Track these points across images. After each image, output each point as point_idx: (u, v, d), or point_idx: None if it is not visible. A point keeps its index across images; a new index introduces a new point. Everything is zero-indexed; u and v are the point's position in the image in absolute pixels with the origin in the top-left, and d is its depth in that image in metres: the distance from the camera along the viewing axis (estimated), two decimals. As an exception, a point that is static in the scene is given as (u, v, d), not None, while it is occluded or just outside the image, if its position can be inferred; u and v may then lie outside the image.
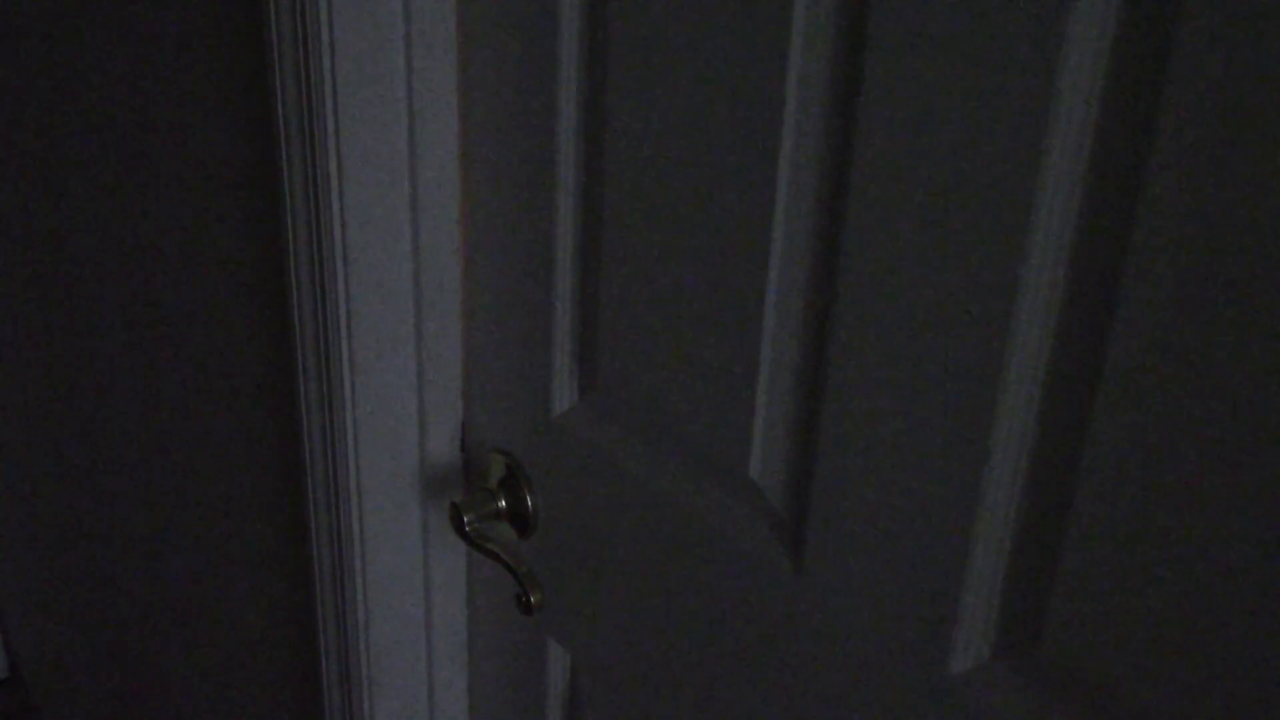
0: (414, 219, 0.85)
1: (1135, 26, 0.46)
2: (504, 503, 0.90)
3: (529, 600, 0.87)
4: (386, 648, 0.99)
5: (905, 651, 0.62)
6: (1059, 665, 0.55)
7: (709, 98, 0.65)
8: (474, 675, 1.04)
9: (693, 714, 0.79)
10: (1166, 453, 0.49)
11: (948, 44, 0.52)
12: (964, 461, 0.56)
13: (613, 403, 0.79)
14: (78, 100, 1.24)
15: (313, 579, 1.00)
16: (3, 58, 1.43)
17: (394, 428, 0.92)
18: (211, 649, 1.39)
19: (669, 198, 0.69)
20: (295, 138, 0.83)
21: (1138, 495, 0.50)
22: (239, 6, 0.91)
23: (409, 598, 0.98)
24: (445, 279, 0.88)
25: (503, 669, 1.00)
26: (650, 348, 0.74)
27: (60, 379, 1.57)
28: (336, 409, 0.89)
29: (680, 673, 0.79)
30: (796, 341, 0.65)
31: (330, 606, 0.99)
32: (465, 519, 0.88)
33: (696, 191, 0.67)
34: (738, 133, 0.63)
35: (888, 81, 0.55)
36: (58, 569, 1.86)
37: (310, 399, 0.92)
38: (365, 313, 0.86)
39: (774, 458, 0.68)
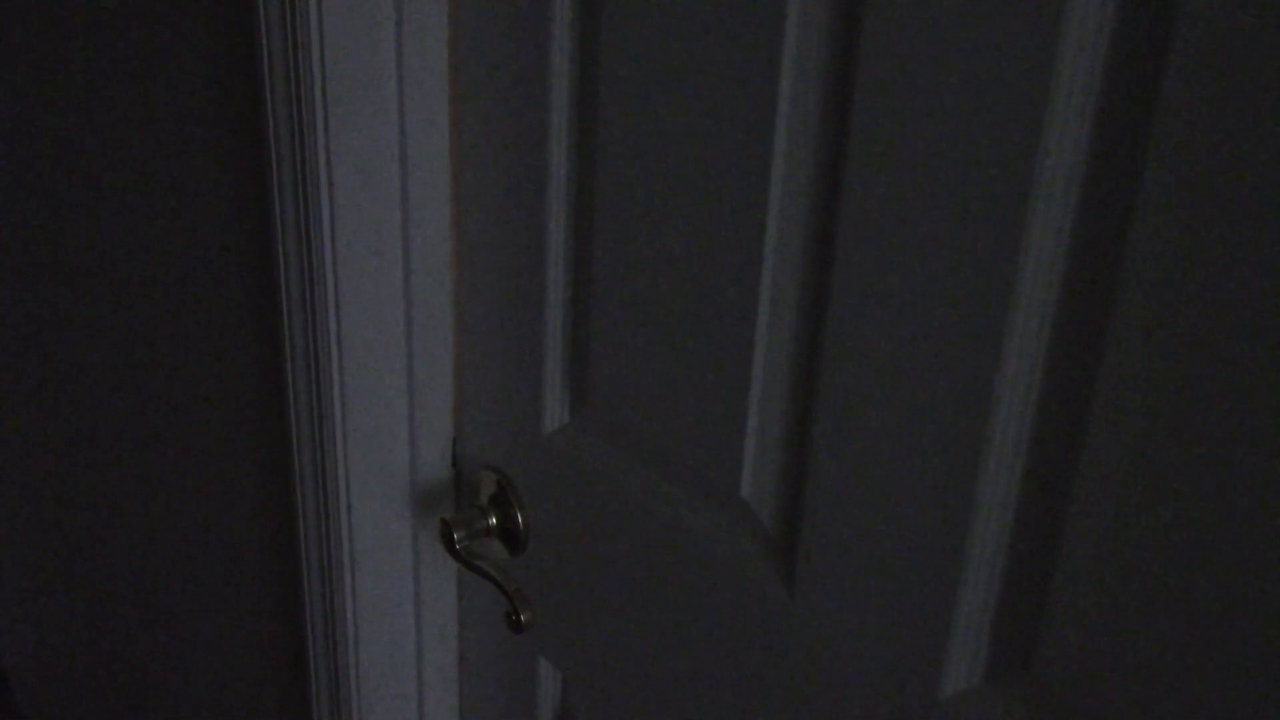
0: (405, 235, 0.85)
1: (1133, 26, 0.46)
2: (494, 520, 0.90)
3: (519, 618, 0.86)
4: (376, 666, 0.98)
5: (896, 674, 0.62)
6: (1050, 689, 0.55)
7: (701, 107, 0.64)
8: (465, 694, 1.04)
9: (683, 735, 0.79)
10: (1158, 477, 0.48)
11: (943, 47, 0.52)
12: (956, 483, 0.56)
13: (604, 420, 0.79)
14: (68, 113, 1.24)
15: (302, 595, 1.00)
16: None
17: (384, 444, 0.91)
18: (200, 666, 1.39)
19: (661, 216, 0.69)
20: (286, 157, 0.82)
21: (1129, 521, 0.49)
22: (230, 22, 0.90)
23: (399, 615, 0.98)
24: (436, 294, 0.88)
25: (494, 688, 1.00)
26: (642, 366, 0.73)
27: (49, 389, 1.57)
28: (327, 425, 0.89)
29: (672, 692, 0.79)
30: (788, 361, 0.64)
31: (320, 624, 0.99)
32: (455, 536, 0.87)
33: (689, 209, 0.67)
34: (730, 149, 0.63)
35: (882, 94, 0.55)
36: (46, 580, 1.85)
37: (300, 415, 0.91)
38: (355, 328, 0.86)
39: (765, 477, 0.68)
